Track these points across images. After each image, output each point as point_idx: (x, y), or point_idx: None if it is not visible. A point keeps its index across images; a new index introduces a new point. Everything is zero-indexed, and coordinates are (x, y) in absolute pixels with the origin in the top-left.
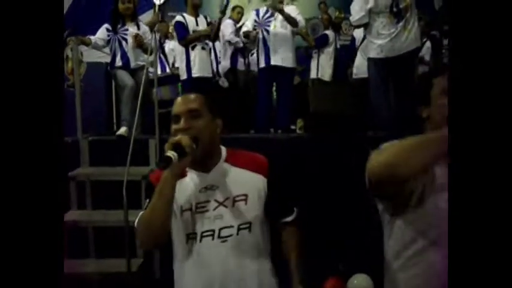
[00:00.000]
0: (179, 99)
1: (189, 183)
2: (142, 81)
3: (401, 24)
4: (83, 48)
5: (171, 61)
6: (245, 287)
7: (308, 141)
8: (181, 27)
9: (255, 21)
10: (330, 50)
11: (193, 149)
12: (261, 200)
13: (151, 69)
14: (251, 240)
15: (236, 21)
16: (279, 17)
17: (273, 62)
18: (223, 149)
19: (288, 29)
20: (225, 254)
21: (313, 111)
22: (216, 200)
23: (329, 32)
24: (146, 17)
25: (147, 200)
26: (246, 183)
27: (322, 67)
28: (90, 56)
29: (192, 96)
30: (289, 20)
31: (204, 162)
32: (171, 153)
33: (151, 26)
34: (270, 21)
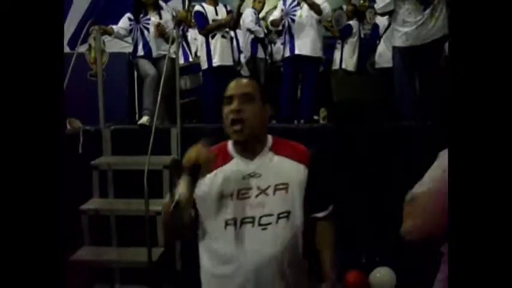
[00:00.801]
0: (233, 82)
1: (233, 169)
2: (164, 71)
3: (428, 11)
4: (106, 38)
5: (193, 50)
6: (282, 273)
7: (331, 131)
8: (201, 16)
9: (282, 10)
10: (353, 40)
11: (210, 160)
12: (301, 189)
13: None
14: (289, 229)
15: (257, 11)
16: (305, 5)
17: (297, 51)
18: (269, 137)
19: (313, 18)
20: (265, 241)
21: (337, 101)
22: (258, 188)
23: (353, 22)
24: (172, 4)
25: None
26: (288, 172)
27: (345, 58)
28: (113, 46)
29: (246, 80)
30: (313, 7)
31: (250, 148)
32: (178, 195)
33: (180, 22)
34: (295, 10)
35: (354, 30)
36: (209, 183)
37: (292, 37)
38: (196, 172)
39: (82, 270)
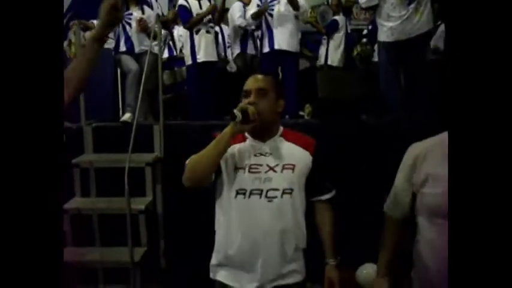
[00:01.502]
0: (251, 77)
1: (247, 147)
2: (145, 66)
3: (412, 5)
4: (87, 33)
5: (179, 47)
6: (283, 241)
7: (316, 127)
8: (185, 11)
9: (258, 5)
10: (339, 36)
11: (256, 119)
12: (305, 174)
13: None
14: (291, 205)
15: (245, 4)
16: (283, 0)
17: (277, 46)
18: (281, 128)
19: (291, 12)
20: (270, 212)
21: (322, 97)
22: (267, 165)
23: (339, 18)
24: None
25: None
26: (295, 155)
27: (331, 53)
28: None
29: (262, 76)
30: (292, 2)
31: (262, 133)
32: (237, 113)
33: (168, 22)
34: (273, 5)
35: (340, 25)
36: (226, 157)
37: (271, 32)
38: (245, 118)
39: (68, 271)
